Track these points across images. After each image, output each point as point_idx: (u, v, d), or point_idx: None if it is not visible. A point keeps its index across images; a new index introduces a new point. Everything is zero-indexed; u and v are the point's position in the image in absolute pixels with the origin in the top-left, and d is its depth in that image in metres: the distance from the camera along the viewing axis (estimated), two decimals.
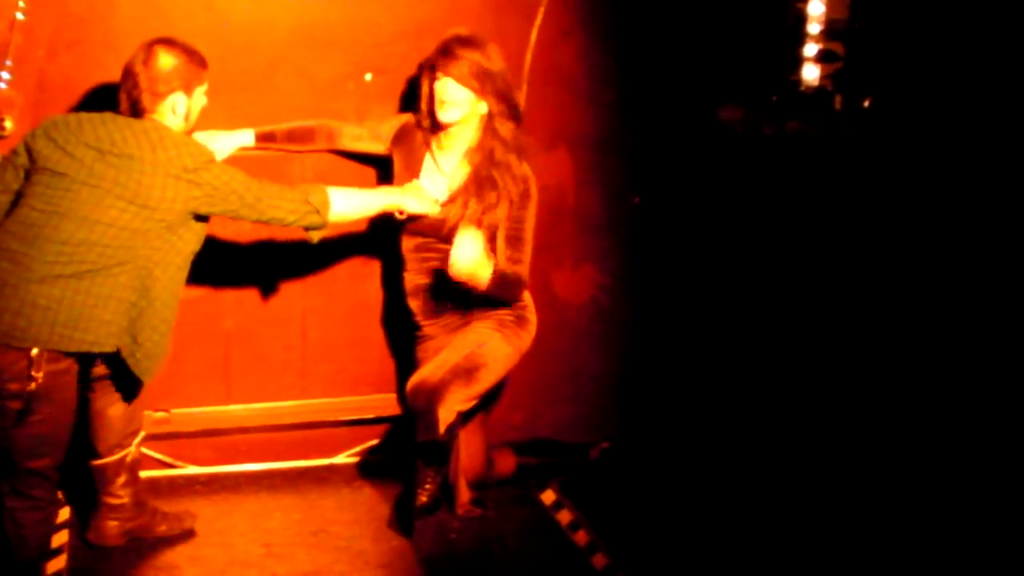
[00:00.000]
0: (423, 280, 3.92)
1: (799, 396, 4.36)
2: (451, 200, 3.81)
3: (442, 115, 3.76)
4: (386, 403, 4.44)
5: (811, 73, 4.31)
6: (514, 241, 3.79)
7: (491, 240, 3.78)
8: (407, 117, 4.00)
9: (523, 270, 3.78)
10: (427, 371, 3.77)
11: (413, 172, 3.90)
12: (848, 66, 4.26)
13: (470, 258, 3.54)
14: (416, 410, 3.73)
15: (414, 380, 3.78)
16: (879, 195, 4.20)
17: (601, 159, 4.50)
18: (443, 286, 3.79)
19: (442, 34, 3.83)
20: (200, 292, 4.15)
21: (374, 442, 4.53)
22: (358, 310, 4.37)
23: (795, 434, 4.29)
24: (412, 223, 3.86)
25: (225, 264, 4.19)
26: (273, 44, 4.08)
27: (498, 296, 3.73)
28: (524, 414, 4.59)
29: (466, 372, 3.76)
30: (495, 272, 3.63)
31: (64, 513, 4.04)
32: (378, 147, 4.02)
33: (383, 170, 4.11)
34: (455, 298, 3.84)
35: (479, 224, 3.72)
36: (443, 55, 3.74)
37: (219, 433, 4.34)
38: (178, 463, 4.39)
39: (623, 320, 4.64)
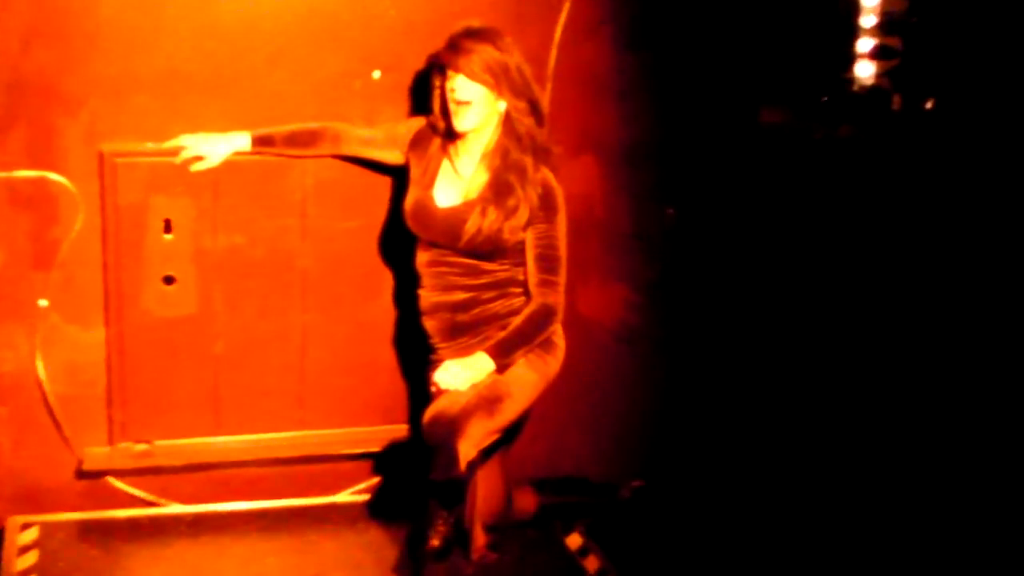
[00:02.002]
0: (439, 297, 3.81)
1: (855, 433, 4.25)
2: (468, 207, 3.72)
3: (458, 123, 3.67)
4: (396, 435, 4.32)
5: (865, 70, 4.22)
6: (545, 261, 3.74)
7: (519, 255, 3.76)
8: (422, 121, 3.90)
9: (556, 298, 3.74)
10: (445, 401, 3.64)
11: (429, 180, 3.81)
12: (907, 62, 4.17)
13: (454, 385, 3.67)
14: (433, 445, 3.59)
15: (431, 411, 3.65)
16: (943, 208, 4.11)
17: (632, 166, 4.39)
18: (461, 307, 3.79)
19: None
20: (187, 311, 4.06)
21: (379, 480, 4.41)
22: (365, 330, 4.23)
23: (847, 477, 4.19)
24: (424, 233, 3.80)
25: (215, 279, 4.08)
26: (272, 38, 3.98)
27: (528, 342, 3.72)
28: (547, 448, 4.46)
29: (488, 402, 3.63)
30: (510, 332, 3.70)
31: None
32: (393, 153, 3.92)
33: (397, 179, 4.01)
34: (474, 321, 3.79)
35: (500, 234, 3.68)
36: (452, 50, 3.65)
37: (207, 467, 4.21)
38: (162, 500, 4.26)
39: (656, 344, 4.52)
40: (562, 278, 3.74)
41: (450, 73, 3.66)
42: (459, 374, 3.64)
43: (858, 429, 4.25)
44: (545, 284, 3.72)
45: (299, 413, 4.26)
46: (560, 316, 3.75)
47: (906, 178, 4.20)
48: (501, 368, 3.66)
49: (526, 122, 3.70)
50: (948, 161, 4.08)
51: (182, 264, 4.01)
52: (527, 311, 3.72)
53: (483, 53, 3.62)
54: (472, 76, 3.63)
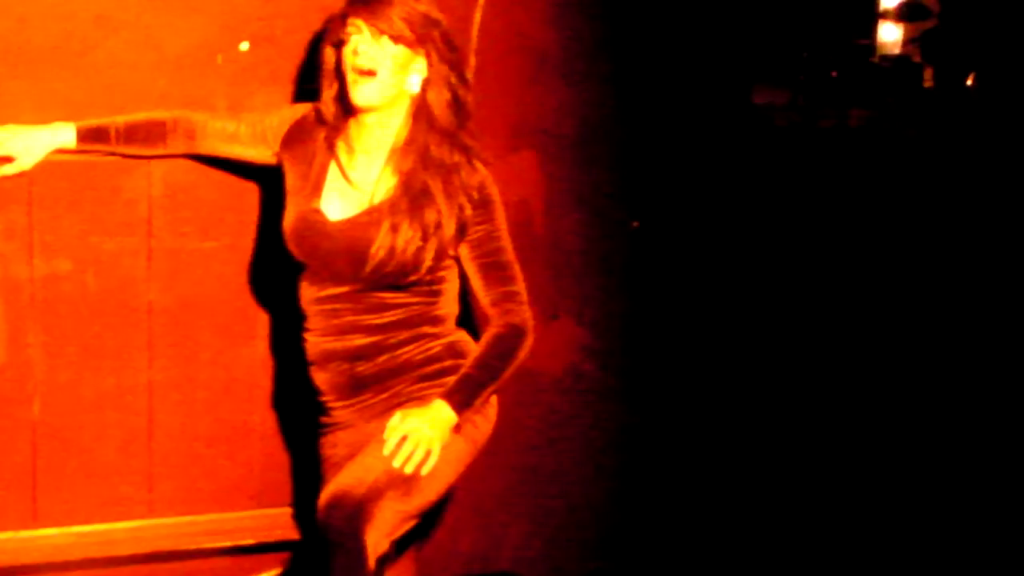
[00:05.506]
0: (333, 343, 3.36)
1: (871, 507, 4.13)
2: (372, 219, 3.27)
3: (357, 92, 3.22)
4: (275, 522, 3.81)
5: (890, 35, 4.23)
6: (497, 270, 3.40)
7: (438, 280, 3.38)
8: (305, 108, 3.43)
9: (523, 313, 3.40)
10: (348, 478, 3.21)
11: (313, 189, 3.35)
12: (944, 26, 3.89)
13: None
14: (333, 535, 3.17)
15: (331, 491, 3.21)
16: (986, 215, 3.68)
17: (583, 166, 4.01)
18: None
19: None
20: None
21: None
22: (233, 386, 3.76)
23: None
24: (313, 259, 3.36)
25: (29, 319, 3.59)
26: None
27: (498, 378, 3.38)
28: (475, 538, 4.07)
29: (404, 478, 3.24)
30: (472, 368, 3.33)
31: None
32: (261, 151, 3.50)
33: (270, 184, 3.53)
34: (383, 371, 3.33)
35: (420, 257, 3.28)
36: (358, 1, 3.29)
37: (22, 572, 3.62)
38: None
39: (617, 399, 4.14)
40: (521, 285, 3.38)
41: (351, 31, 3.22)
42: (425, 432, 3.24)
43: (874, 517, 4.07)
44: (506, 299, 3.34)
45: (146, 496, 3.73)
46: (532, 336, 3.40)
47: (940, 177, 3.76)
48: (463, 421, 3.30)
49: (445, 113, 3.27)
50: (994, 154, 3.70)
51: None
52: (489, 336, 3.35)
53: (403, 4, 3.25)
54: (389, 31, 3.21)
